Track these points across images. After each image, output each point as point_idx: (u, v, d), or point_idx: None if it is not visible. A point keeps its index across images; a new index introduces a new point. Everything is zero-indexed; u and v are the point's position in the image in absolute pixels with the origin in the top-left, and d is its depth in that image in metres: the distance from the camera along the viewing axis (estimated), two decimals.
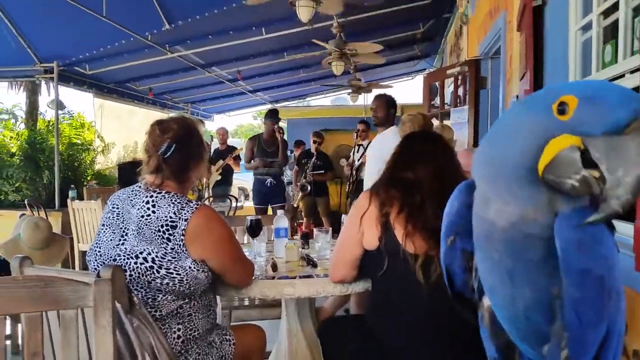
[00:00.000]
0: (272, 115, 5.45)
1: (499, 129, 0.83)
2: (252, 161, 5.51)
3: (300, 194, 6.41)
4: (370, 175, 3.72)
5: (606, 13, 1.87)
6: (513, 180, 0.76)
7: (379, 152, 3.55)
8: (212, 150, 6.70)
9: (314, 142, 6.62)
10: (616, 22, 1.74)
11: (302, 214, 6.88)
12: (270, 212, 5.35)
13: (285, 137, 5.67)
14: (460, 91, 4.81)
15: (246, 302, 2.60)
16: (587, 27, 2.03)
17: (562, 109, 0.70)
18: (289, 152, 7.79)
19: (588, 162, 0.68)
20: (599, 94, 0.69)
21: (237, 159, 6.84)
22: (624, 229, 1.56)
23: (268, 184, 5.40)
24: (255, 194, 5.67)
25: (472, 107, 4.40)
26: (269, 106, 10.70)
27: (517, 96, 3.01)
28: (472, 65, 4.48)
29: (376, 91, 9.14)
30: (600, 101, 0.68)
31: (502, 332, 0.90)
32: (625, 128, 0.65)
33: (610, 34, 1.89)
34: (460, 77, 4.75)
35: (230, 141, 7.34)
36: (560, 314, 0.78)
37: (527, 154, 0.73)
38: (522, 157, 0.73)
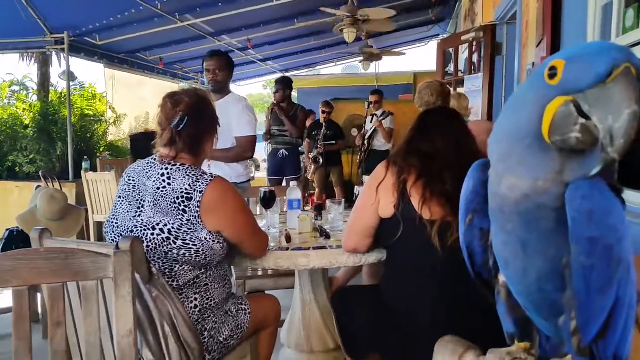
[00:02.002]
0: (276, 83, 5.33)
1: (509, 106, 0.85)
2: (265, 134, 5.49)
3: (314, 166, 6.39)
4: None
5: None
6: (524, 150, 0.78)
7: (224, 122, 3.23)
8: None
9: (323, 112, 6.56)
10: None
11: (314, 184, 6.89)
12: (284, 184, 5.34)
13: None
14: (475, 58, 4.73)
15: (260, 272, 2.64)
16: None
17: (552, 73, 0.74)
18: None
19: (584, 116, 0.71)
20: (580, 52, 0.73)
21: None
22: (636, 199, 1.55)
23: (280, 155, 5.38)
24: (269, 165, 5.66)
25: (487, 75, 4.33)
26: (278, 75, 10.62)
27: (533, 64, 2.96)
28: (487, 30, 4.39)
29: (387, 59, 9.05)
30: (582, 58, 0.72)
31: (518, 308, 0.92)
32: (608, 77, 0.68)
33: None
34: (475, 43, 4.66)
35: None
36: (570, 282, 0.79)
37: (532, 123, 0.76)
38: (529, 127, 0.76)
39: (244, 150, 3.07)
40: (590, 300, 0.76)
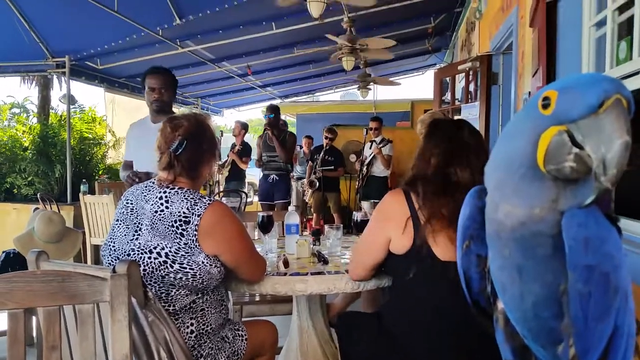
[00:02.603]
0: (266, 112, 5.40)
1: (504, 135, 0.87)
2: (258, 161, 5.56)
3: (310, 190, 6.41)
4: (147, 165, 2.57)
5: (621, 9, 1.85)
6: (519, 180, 0.79)
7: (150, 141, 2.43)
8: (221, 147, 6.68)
9: (325, 137, 6.61)
10: (631, 18, 1.73)
11: (312, 209, 6.89)
12: (276, 209, 5.35)
13: (289, 130, 5.55)
14: (472, 87, 4.79)
15: (257, 298, 2.62)
16: (601, 23, 2.01)
17: (545, 103, 0.76)
18: (298, 148, 7.82)
19: (577, 145, 0.73)
20: (573, 83, 0.75)
21: (241, 155, 6.82)
22: (636, 228, 1.55)
23: (271, 180, 5.41)
24: (259, 190, 5.70)
25: (483, 103, 4.38)
26: (278, 101, 10.74)
27: (529, 93, 3.00)
28: (483, 60, 4.45)
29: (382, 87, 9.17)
30: (574, 89, 0.74)
31: (516, 335, 0.91)
32: (599, 108, 0.70)
33: (626, 30, 1.88)
34: (471, 73, 4.72)
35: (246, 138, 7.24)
36: (568, 309, 0.79)
37: (526, 152, 0.77)
38: (523, 157, 0.78)
39: None
40: (588, 328, 0.76)
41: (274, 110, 5.35)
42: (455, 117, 4.46)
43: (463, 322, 1.48)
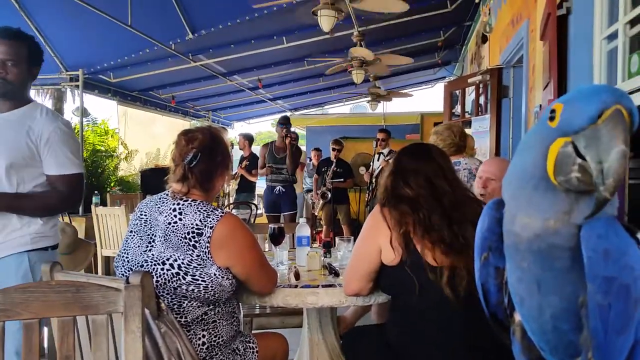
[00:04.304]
0: (282, 121, 5.43)
1: (518, 149, 0.88)
2: (261, 169, 5.56)
3: (321, 202, 6.41)
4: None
5: (633, 22, 1.85)
6: (532, 191, 0.80)
7: (13, 144, 1.82)
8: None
9: (333, 149, 6.63)
10: None
11: (322, 222, 6.88)
12: (282, 220, 5.35)
13: (299, 143, 5.59)
14: (482, 100, 4.80)
15: (267, 310, 2.62)
16: (612, 37, 2.02)
17: (551, 116, 0.77)
18: (307, 160, 7.84)
19: (581, 156, 0.74)
20: (575, 95, 0.77)
21: (250, 168, 6.85)
22: None
23: (277, 192, 5.39)
24: (265, 201, 5.66)
25: (493, 116, 4.38)
26: (288, 114, 10.80)
27: (540, 106, 3.00)
28: (494, 73, 4.46)
29: (396, 100, 9.19)
30: (576, 100, 0.75)
31: (533, 347, 0.91)
32: (599, 118, 0.71)
33: (637, 43, 1.88)
34: (481, 86, 4.73)
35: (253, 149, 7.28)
36: (587, 322, 0.78)
37: (536, 164, 0.78)
38: (535, 168, 0.79)
39: (67, 197, 1.92)
40: (608, 340, 0.75)
41: (288, 124, 5.40)
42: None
43: (463, 330, 1.50)
